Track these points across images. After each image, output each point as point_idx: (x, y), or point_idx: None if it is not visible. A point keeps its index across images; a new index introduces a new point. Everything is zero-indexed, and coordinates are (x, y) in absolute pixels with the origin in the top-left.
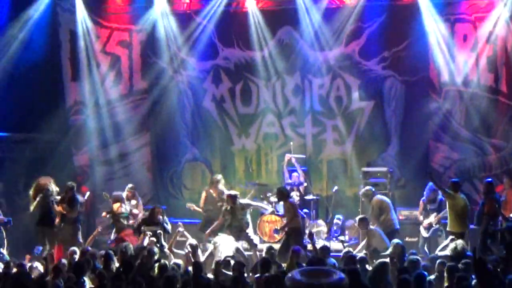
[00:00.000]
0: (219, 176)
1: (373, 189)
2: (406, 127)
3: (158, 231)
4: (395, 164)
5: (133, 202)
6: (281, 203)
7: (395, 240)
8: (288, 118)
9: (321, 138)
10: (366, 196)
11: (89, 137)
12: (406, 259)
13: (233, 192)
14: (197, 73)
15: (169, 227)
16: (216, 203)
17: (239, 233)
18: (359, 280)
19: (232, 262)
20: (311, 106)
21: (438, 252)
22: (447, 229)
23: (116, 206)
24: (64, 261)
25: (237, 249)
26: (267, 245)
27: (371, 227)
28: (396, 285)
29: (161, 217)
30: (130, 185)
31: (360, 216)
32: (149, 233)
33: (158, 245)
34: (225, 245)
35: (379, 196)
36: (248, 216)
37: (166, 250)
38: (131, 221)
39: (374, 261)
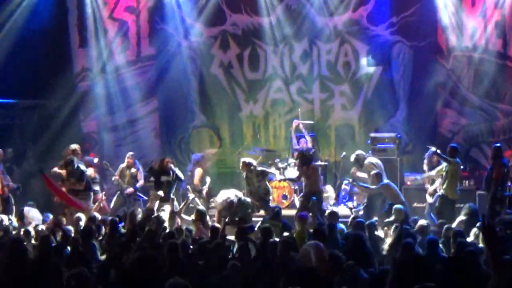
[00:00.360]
0: None
1: (364, 153)
2: (414, 93)
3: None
4: (403, 129)
5: (133, 170)
6: (302, 167)
7: (398, 206)
8: (296, 84)
9: (329, 103)
10: (357, 161)
11: (97, 104)
12: (415, 224)
13: (247, 160)
14: (205, 39)
15: (181, 175)
16: None
17: (258, 201)
18: (363, 246)
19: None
20: (319, 71)
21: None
22: (443, 193)
23: (90, 171)
24: (70, 227)
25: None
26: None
27: (385, 181)
28: (400, 250)
29: (172, 166)
30: (130, 153)
31: (374, 171)
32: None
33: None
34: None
35: (370, 159)
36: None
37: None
38: (128, 190)
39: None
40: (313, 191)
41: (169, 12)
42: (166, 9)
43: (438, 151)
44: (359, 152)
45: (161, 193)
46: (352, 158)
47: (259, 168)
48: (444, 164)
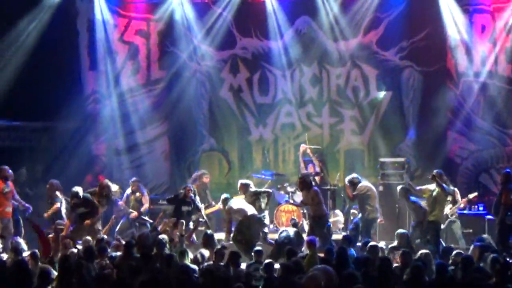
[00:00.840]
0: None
1: (359, 177)
2: (423, 118)
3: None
4: (412, 154)
5: (138, 194)
6: (302, 192)
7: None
8: (305, 108)
9: (339, 128)
10: (353, 184)
11: (106, 126)
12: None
13: (244, 181)
14: (215, 63)
15: (199, 205)
16: None
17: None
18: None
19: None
20: (328, 96)
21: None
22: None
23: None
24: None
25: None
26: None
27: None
28: (410, 272)
29: (192, 195)
30: (133, 179)
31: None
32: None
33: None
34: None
35: (364, 183)
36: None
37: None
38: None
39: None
40: (316, 216)
41: (179, 35)
42: (176, 32)
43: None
44: (354, 175)
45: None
46: (347, 180)
47: (252, 189)
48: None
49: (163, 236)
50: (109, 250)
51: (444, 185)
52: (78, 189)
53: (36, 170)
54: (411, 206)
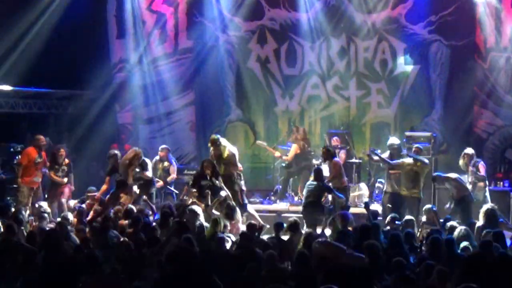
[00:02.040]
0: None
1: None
2: (450, 92)
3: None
4: (438, 128)
5: (166, 163)
6: (324, 165)
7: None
8: (332, 80)
9: (365, 101)
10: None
11: (133, 95)
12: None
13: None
14: (242, 33)
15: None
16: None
17: None
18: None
19: None
20: (356, 68)
21: None
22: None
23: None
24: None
25: None
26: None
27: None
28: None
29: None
30: (162, 146)
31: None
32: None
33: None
34: None
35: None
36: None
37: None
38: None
39: None
40: (335, 187)
41: (207, 5)
42: (204, 2)
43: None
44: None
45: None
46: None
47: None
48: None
49: (196, 207)
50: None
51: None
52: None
53: (62, 138)
54: (452, 184)
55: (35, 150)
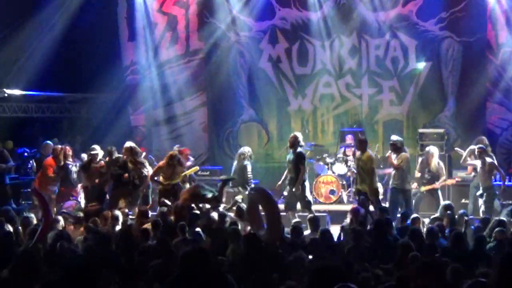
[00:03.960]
0: None
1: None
2: (462, 88)
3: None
4: (451, 125)
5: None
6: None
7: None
8: (344, 78)
9: (378, 99)
10: (396, 149)
11: (145, 97)
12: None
13: None
14: (254, 34)
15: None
16: None
17: None
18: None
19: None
20: (367, 66)
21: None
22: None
23: None
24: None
25: None
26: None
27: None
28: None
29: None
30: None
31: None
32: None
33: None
34: None
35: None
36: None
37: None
38: None
39: None
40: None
41: (218, 6)
42: (215, 3)
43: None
44: (396, 138)
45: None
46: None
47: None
48: None
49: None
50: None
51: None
52: None
53: (76, 141)
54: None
55: (53, 160)
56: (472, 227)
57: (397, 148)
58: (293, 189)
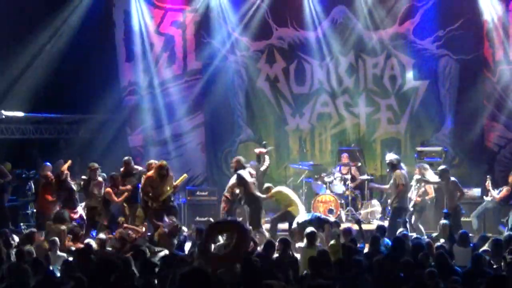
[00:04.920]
0: None
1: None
2: (460, 106)
3: None
4: (449, 143)
5: None
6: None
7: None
8: (342, 97)
9: (375, 117)
10: (392, 167)
11: (143, 118)
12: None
13: None
14: (251, 53)
15: None
16: None
17: None
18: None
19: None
20: (365, 85)
21: None
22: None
23: None
24: None
25: None
26: None
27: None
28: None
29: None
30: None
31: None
32: None
33: None
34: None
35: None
36: None
37: None
38: None
39: None
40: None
41: (215, 26)
42: (212, 23)
43: None
44: (393, 156)
45: None
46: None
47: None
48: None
49: None
50: None
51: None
52: None
53: (74, 163)
54: (451, 187)
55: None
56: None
57: (393, 166)
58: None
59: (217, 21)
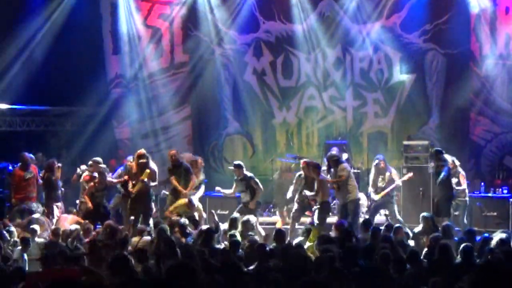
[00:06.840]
0: None
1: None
2: (447, 100)
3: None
4: (436, 137)
5: None
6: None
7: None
8: (329, 91)
9: (362, 111)
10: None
11: (130, 110)
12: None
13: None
14: (238, 46)
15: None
16: None
17: None
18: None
19: None
20: (352, 79)
21: None
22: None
23: None
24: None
25: None
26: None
27: None
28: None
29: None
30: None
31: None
32: None
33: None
34: None
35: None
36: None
37: None
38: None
39: None
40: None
41: (202, 19)
42: (199, 16)
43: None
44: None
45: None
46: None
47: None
48: None
49: None
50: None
51: None
52: None
53: (60, 155)
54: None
55: (21, 170)
56: (456, 238)
57: (335, 162)
58: None
59: (204, 14)
